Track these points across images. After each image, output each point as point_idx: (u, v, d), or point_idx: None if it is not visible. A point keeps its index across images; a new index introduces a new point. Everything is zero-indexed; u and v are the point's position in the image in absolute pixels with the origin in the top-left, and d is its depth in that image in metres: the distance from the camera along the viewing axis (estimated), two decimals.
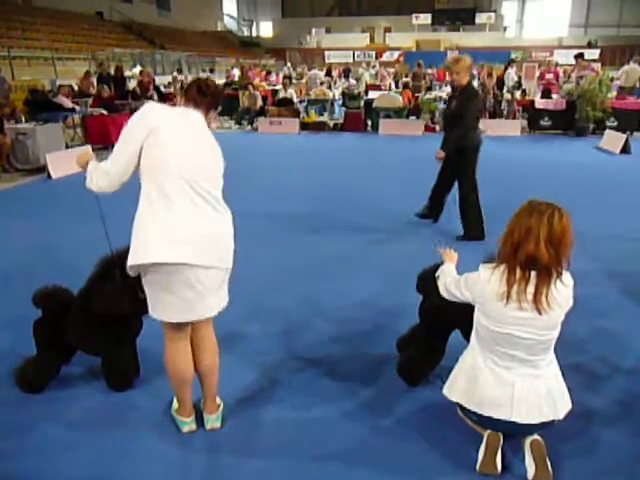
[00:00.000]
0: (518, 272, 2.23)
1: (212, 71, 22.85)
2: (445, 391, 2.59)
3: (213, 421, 2.71)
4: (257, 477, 2.43)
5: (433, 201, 5.97)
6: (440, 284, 2.70)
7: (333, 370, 3.24)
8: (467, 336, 2.72)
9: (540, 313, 2.23)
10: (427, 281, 3.04)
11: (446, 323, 2.94)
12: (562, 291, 2.26)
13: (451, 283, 2.59)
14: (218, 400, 2.78)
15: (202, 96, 2.46)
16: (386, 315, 3.89)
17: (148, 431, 2.70)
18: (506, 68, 14.92)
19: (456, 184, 5.58)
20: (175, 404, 2.75)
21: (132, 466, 2.49)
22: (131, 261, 2.30)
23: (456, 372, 2.57)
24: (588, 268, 4.70)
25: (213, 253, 2.36)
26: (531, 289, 2.22)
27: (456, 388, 2.52)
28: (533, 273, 2.22)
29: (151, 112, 2.37)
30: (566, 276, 2.30)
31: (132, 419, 2.78)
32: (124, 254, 2.45)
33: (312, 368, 3.26)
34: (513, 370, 2.36)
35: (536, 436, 2.43)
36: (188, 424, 2.68)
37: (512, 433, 2.48)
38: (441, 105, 13.95)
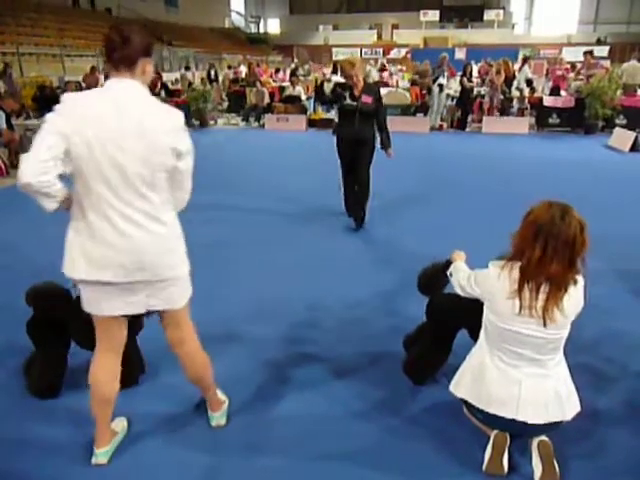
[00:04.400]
0: (532, 284, 2.21)
1: (187, 68, 21.29)
2: (452, 388, 2.57)
3: (218, 418, 2.70)
4: (263, 475, 2.43)
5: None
6: (454, 281, 2.70)
7: (339, 368, 3.23)
8: (474, 335, 2.71)
9: (546, 324, 2.22)
10: (429, 280, 3.05)
11: (453, 322, 2.93)
12: (573, 295, 2.24)
13: (464, 278, 2.59)
14: (222, 397, 2.77)
15: (116, 52, 2.06)
16: (394, 314, 3.88)
17: (152, 427, 2.70)
18: (523, 64, 14.81)
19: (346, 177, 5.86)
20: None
21: (135, 463, 2.49)
22: (64, 271, 2.18)
23: (463, 369, 2.56)
24: (597, 267, 4.65)
25: (136, 272, 2.13)
26: (541, 303, 2.21)
27: (462, 385, 2.51)
28: (545, 284, 2.20)
29: (61, 107, 2.02)
30: (578, 280, 2.29)
31: (136, 417, 2.78)
32: None
33: (318, 366, 3.25)
34: (520, 369, 2.35)
35: (543, 437, 2.41)
36: (96, 456, 2.44)
37: (518, 433, 2.47)
38: (448, 102, 13.93)
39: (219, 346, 3.40)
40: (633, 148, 10.16)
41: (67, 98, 2.07)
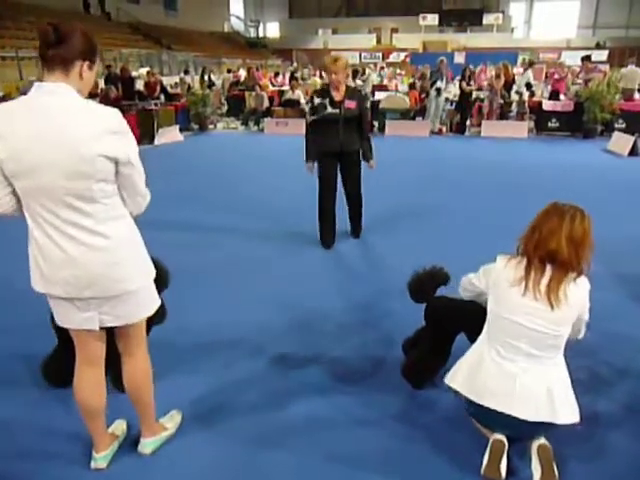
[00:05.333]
0: (536, 263, 2.27)
1: (186, 72, 20.69)
2: (447, 380, 2.57)
3: (146, 445, 2.53)
4: (262, 476, 2.43)
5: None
6: (461, 284, 2.75)
7: (338, 372, 3.23)
8: (473, 339, 2.70)
9: (552, 306, 2.24)
10: (419, 286, 3.06)
11: (451, 325, 2.93)
12: (576, 293, 2.27)
13: (469, 277, 2.65)
14: (166, 424, 2.64)
15: (50, 49, 1.89)
16: (391, 317, 3.88)
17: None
18: (527, 69, 14.85)
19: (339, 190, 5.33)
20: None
21: (135, 465, 2.48)
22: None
23: (460, 362, 2.56)
24: (598, 271, 4.65)
25: (83, 289, 2.04)
26: (546, 281, 2.25)
27: (458, 377, 2.51)
28: (549, 267, 2.26)
29: None
30: (582, 280, 2.31)
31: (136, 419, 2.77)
32: None
33: (317, 370, 3.25)
34: (517, 363, 2.35)
35: (543, 441, 2.41)
36: (95, 460, 2.44)
37: (511, 433, 2.45)
38: (447, 106, 13.95)
39: (217, 351, 3.41)
40: (632, 152, 10.18)
41: None
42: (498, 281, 2.38)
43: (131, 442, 2.61)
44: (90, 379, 2.33)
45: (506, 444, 2.41)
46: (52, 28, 1.88)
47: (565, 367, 2.43)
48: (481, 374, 2.41)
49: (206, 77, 18.54)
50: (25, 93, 1.91)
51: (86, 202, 1.95)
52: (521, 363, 2.35)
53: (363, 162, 5.25)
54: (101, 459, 2.44)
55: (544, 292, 2.24)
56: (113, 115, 1.95)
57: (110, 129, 1.91)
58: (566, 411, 2.35)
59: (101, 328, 2.21)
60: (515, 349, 2.35)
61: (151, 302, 2.28)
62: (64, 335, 2.90)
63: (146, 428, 2.54)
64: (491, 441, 2.43)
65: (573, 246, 2.21)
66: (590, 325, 2.52)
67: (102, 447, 2.46)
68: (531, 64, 15.60)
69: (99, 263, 2.01)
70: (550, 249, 2.22)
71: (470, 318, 2.73)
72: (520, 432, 2.44)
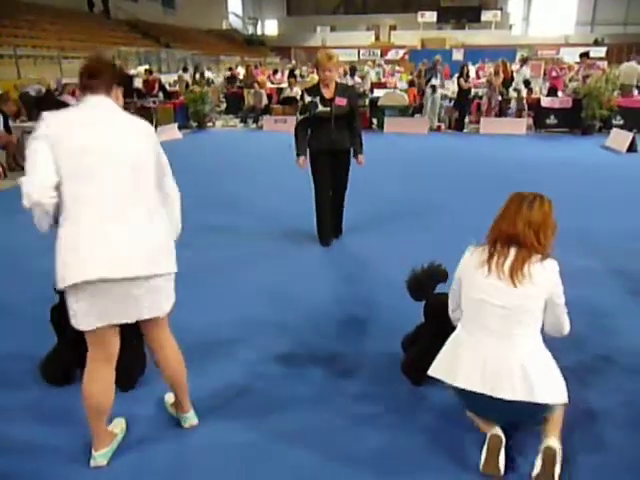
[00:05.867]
0: (499, 248, 2.34)
1: (185, 70, 20.20)
2: (430, 371, 2.58)
3: (190, 418, 2.71)
4: (261, 473, 2.44)
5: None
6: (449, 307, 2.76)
7: (337, 368, 3.24)
8: None
9: (514, 284, 2.28)
10: (420, 283, 3.09)
11: (450, 322, 2.94)
12: (542, 273, 2.30)
13: (450, 291, 2.68)
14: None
15: (94, 79, 2.27)
16: (390, 313, 3.89)
17: (152, 429, 2.71)
18: (522, 65, 14.87)
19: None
20: None
21: (135, 464, 2.49)
22: (65, 277, 2.17)
23: (442, 351, 2.59)
24: (593, 266, 4.69)
25: (140, 264, 2.23)
26: (509, 262, 2.31)
27: (439, 365, 2.55)
28: (513, 250, 2.32)
29: (44, 124, 2.18)
30: (549, 262, 2.33)
31: (135, 417, 2.79)
32: None
33: (314, 368, 3.26)
34: (485, 341, 2.38)
35: (552, 442, 2.37)
36: (94, 458, 2.47)
37: (504, 419, 2.47)
38: (446, 103, 13.95)
39: (215, 349, 3.42)
40: (630, 148, 10.19)
41: (47, 115, 2.19)
42: (466, 268, 2.46)
43: (132, 440, 2.62)
44: (105, 377, 2.38)
45: (503, 439, 2.42)
46: (91, 67, 2.30)
47: (543, 347, 2.40)
48: (457, 358, 2.45)
49: (197, 75, 18.25)
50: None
51: (147, 185, 2.30)
52: (488, 341, 2.37)
53: (352, 159, 5.21)
54: (100, 457, 2.46)
55: (507, 272, 2.30)
56: (147, 123, 2.40)
57: (149, 132, 2.38)
58: (546, 390, 2.32)
59: (122, 326, 2.38)
60: (485, 329, 2.38)
61: (173, 295, 2.46)
62: (67, 334, 2.93)
63: (185, 403, 2.68)
64: (488, 436, 2.44)
65: (532, 230, 2.28)
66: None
67: (102, 445, 2.47)
68: (525, 60, 15.61)
69: (156, 241, 2.28)
70: (510, 233, 2.30)
71: None
72: (513, 417, 2.45)
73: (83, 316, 2.23)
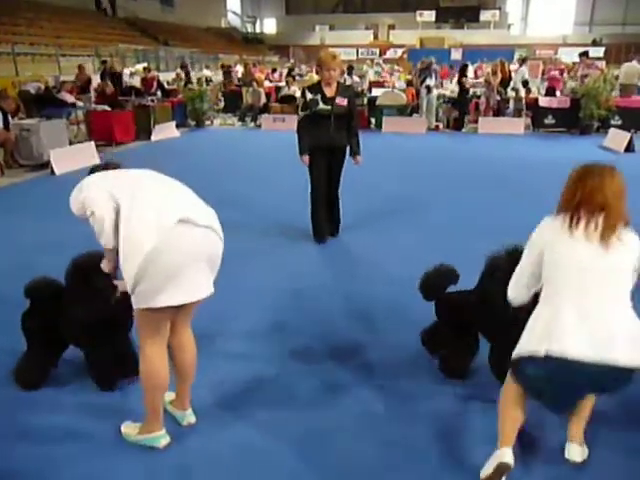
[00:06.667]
0: (582, 215, 2.27)
1: (183, 66, 19.45)
2: (523, 351, 2.31)
3: (189, 416, 2.73)
4: (259, 469, 2.44)
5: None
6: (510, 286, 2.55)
7: (335, 367, 3.24)
8: (487, 335, 2.93)
9: (608, 249, 2.21)
10: (432, 283, 3.13)
11: (463, 320, 3.02)
12: (631, 238, 2.26)
13: (518, 270, 2.48)
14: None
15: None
16: (400, 309, 3.90)
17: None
18: (520, 65, 14.91)
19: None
20: (135, 430, 2.61)
21: (127, 460, 2.49)
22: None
23: (529, 326, 2.36)
24: None
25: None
26: (599, 229, 2.24)
27: (533, 338, 2.30)
28: (600, 218, 2.25)
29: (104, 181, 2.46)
30: (629, 229, 2.28)
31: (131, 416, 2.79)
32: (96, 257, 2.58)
33: (314, 366, 3.26)
34: (585, 307, 2.23)
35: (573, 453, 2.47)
36: (164, 437, 2.57)
37: (570, 402, 2.46)
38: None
39: (215, 347, 3.42)
40: (628, 148, 10.21)
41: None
42: (550, 233, 2.33)
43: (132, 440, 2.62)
44: (165, 358, 2.46)
45: (512, 467, 2.32)
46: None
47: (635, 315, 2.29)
48: (556, 330, 2.23)
49: (183, 74, 17.46)
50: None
51: None
52: (593, 308, 2.22)
53: (350, 158, 5.23)
54: (166, 434, 2.57)
55: (599, 237, 2.23)
56: None
57: None
58: None
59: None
60: (584, 296, 2.24)
61: None
62: (41, 337, 2.97)
63: (187, 400, 2.72)
64: (497, 462, 2.32)
65: (617, 198, 2.27)
66: None
67: (162, 424, 2.57)
68: (524, 60, 15.64)
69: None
70: (598, 202, 2.25)
71: (481, 315, 2.89)
72: (594, 390, 2.40)
73: (181, 291, 2.28)
